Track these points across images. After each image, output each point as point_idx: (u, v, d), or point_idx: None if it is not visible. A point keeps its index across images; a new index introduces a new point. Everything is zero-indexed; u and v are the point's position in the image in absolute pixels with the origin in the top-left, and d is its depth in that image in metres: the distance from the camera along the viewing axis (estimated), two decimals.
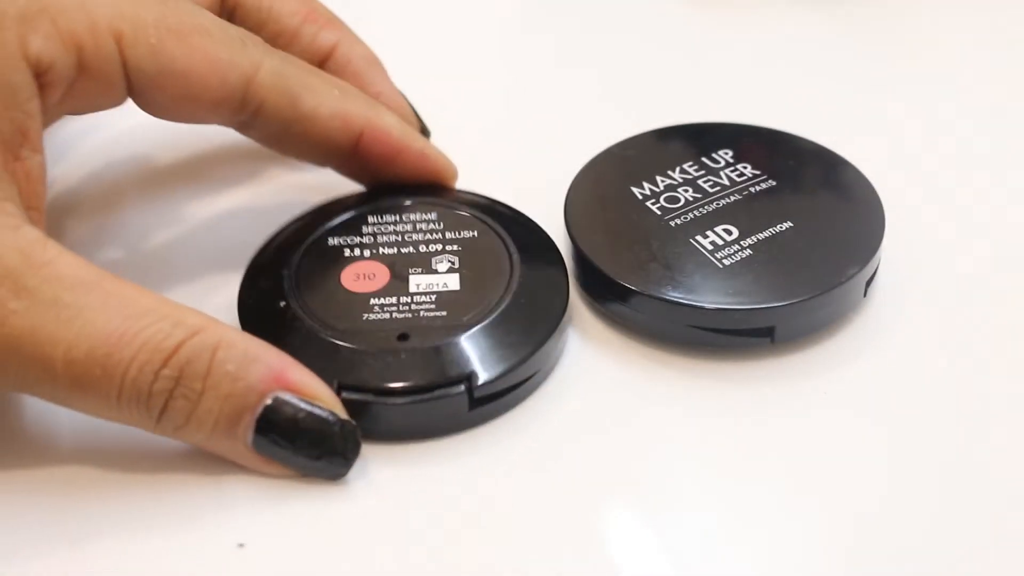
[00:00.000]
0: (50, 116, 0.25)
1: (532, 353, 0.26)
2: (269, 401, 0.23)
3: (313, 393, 0.24)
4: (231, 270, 0.28)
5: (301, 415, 0.23)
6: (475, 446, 0.25)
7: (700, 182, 0.29)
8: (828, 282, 0.26)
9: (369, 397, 0.25)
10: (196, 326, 0.23)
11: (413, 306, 0.26)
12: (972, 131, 0.35)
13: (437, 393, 0.25)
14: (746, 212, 0.28)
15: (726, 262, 0.27)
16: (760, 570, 0.23)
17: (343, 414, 0.24)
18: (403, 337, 0.26)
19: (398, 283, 0.27)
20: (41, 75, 0.24)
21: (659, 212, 0.28)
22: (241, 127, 0.28)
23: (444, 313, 0.26)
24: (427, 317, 0.26)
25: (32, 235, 0.23)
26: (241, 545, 0.23)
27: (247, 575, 0.23)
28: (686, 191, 0.29)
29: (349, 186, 0.30)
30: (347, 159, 0.29)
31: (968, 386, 0.26)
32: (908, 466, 0.25)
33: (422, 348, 0.25)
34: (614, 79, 0.38)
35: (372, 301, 0.27)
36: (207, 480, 0.24)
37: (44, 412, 0.26)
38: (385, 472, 0.25)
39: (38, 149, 0.24)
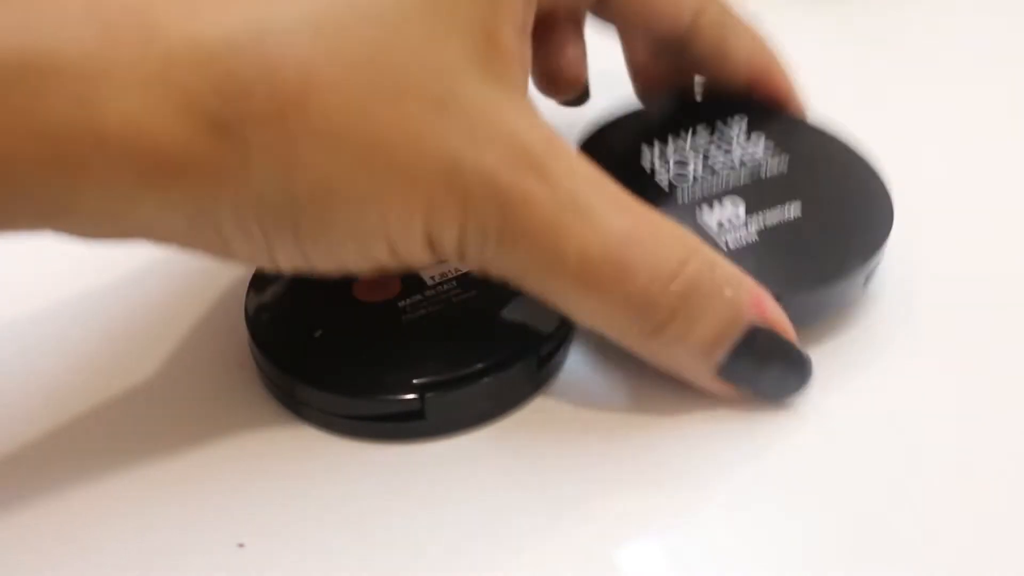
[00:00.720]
0: None
1: None
2: (750, 325, 0.24)
3: (782, 321, 0.24)
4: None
5: (774, 340, 0.24)
6: (472, 450, 0.25)
7: (710, 159, 0.29)
8: (830, 274, 0.26)
9: (458, 386, 0.24)
10: (697, 246, 0.23)
11: (442, 295, 0.26)
12: (973, 130, 0.35)
13: (518, 365, 0.25)
14: (756, 194, 0.28)
15: (732, 246, 0.26)
16: (760, 570, 0.22)
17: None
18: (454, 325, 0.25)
19: (413, 282, 0.26)
20: None
21: (666, 188, 0.28)
22: (663, 50, 0.31)
23: (474, 292, 0.26)
24: (461, 300, 0.26)
25: (549, 126, 0.23)
26: (241, 545, 0.23)
27: (247, 575, 0.22)
28: (695, 168, 0.28)
29: None
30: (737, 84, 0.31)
31: (970, 385, 0.26)
32: (909, 465, 0.24)
33: (482, 328, 0.25)
34: (614, 79, 0.37)
35: (400, 304, 0.26)
36: (207, 480, 0.24)
37: (43, 413, 0.26)
38: (382, 470, 0.24)
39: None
